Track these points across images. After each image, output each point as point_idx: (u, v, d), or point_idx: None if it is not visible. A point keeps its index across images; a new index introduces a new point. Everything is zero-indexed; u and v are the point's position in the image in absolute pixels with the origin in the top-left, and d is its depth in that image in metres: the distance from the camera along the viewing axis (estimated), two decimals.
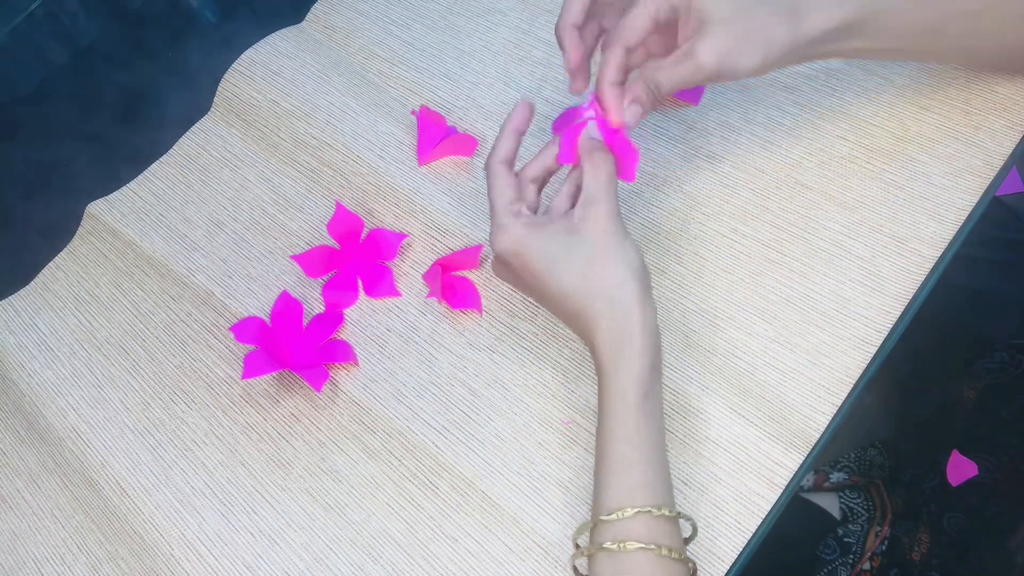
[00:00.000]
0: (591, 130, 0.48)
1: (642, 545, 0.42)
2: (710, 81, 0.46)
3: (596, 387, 0.53)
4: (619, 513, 0.43)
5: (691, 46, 0.44)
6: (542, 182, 0.51)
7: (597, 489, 0.45)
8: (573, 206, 0.48)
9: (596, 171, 0.47)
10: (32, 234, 0.71)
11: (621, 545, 0.42)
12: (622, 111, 0.47)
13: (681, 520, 0.45)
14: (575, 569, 0.47)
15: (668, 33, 0.47)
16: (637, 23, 0.45)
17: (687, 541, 0.46)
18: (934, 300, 0.53)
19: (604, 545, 0.43)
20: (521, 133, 0.50)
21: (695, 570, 0.44)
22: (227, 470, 0.57)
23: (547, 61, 0.68)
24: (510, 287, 0.52)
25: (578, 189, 0.49)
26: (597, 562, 0.44)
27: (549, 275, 0.46)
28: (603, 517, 0.43)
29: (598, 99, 0.48)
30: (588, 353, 0.55)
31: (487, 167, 0.49)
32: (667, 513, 0.43)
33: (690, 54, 0.44)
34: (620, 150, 0.48)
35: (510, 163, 0.50)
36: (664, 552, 0.42)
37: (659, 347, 0.47)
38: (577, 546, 0.47)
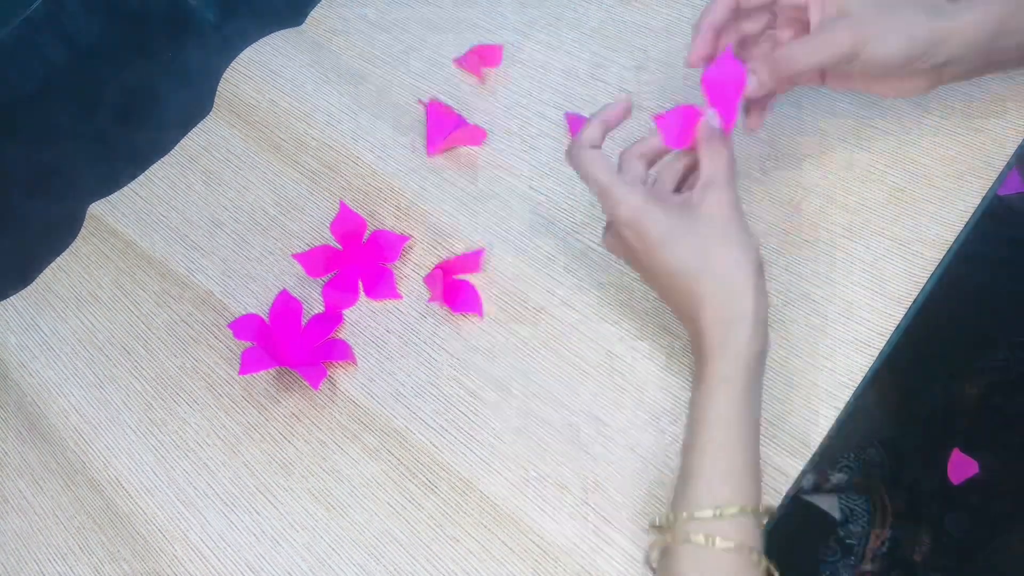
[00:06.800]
0: (711, 119, 0.47)
1: (730, 545, 0.40)
2: (842, 66, 0.43)
3: (594, 389, 0.54)
4: (717, 511, 0.41)
5: (826, 25, 0.42)
6: (649, 161, 0.49)
7: (687, 477, 0.44)
8: (679, 190, 0.47)
9: (715, 157, 0.46)
10: (33, 234, 0.71)
11: (711, 541, 0.41)
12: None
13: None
14: (649, 557, 0.45)
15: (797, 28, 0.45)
16: None
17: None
18: (936, 298, 0.53)
19: (692, 538, 0.41)
20: (610, 128, 0.48)
21: (770, 572, 0.42)
22: (229, 470, 0.57)
23: (547, 64, 0.68)
24: (622, 263, 0.51)
25: (687, 173, 0.48)
26: (678, 553, 0.42)
27: (663, 248, 0.44)
28: (699, 514, 0.41)
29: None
30: (590, 355, 0.55)
31: (575, 153, 0.47)
32: (759, 510, 0.42)
33: (823, 30, 0.42)
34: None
35: (599, 147, 0.47)
36: (754, 557, 0.41)
37: (767, 337, 0.45)
38: (659, 527, 0.44)
